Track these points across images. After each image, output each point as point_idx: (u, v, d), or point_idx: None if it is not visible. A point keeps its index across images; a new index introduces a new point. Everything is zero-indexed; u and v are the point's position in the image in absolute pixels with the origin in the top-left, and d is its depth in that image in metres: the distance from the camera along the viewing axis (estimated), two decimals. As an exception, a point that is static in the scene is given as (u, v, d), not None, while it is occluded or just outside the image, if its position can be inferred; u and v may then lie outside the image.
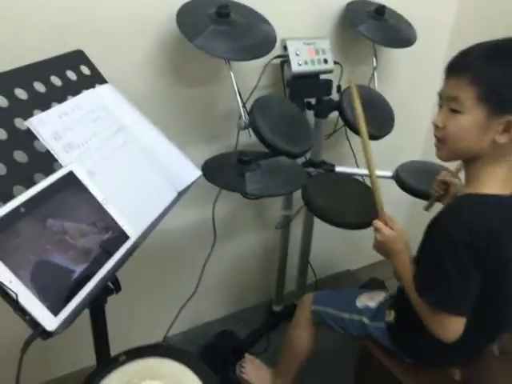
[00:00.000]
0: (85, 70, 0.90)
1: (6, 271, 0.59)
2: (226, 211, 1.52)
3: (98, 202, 0.77)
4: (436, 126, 0.88)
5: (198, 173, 0.99)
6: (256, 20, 1.15)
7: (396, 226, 0.99)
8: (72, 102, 0.82)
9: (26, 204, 0.65)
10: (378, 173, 1.23)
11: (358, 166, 1.58)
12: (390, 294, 1.13)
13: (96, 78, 0.91)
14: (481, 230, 0.82)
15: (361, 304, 1.12)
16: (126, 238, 0.79)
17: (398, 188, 1.39)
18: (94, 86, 0.89)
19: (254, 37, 1.11)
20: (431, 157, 1.49)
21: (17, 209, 0.64)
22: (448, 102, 0.85)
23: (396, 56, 1.45)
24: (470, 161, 0.89)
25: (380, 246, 1.00)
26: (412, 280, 0.93)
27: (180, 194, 0.95)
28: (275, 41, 1.16)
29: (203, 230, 1.44)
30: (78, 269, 0.69)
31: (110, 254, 0.75)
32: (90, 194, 0.76)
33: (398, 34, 1.43)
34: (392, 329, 1.05)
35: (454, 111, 0.84)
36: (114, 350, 0.89)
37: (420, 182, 1.38)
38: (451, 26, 1.65)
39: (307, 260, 1.69)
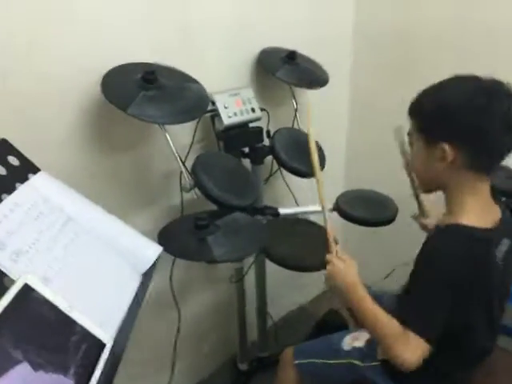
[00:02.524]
0: (13, 160, 0.77)
1: None
2: (182, 275, 1.43)
3: (62, 311, 0.66)
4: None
5: (159, 249, 0.91)
6: (184, 80, 1.12)
7: (346, 258, 0.97)
8: (9, 201, 0.70)
9: (-18, 341, 0.53)
10: (315, 208, 1.23)
11: (297, 205, 1.60)
12: None
13: (27, 168, 0.79)
14: (468, 260, 0.82)
15: (348, 346, 1.09)
16: (103, 345, 0.68)
17: (340, 218, 1.43)
18: (27, 178, 0.78)
19: (187, 98, 1.08)
20: (354, 185, 1.58)
21: (-28, 350, 0.51)
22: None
23: (313, 96, 1.52)
24: (444, 191, 0.91)
25: (332, 278, 0.96)
26: (373, 310, 0.88)
27: (146, 275, 0.86)
28: (208, 99, 1.14)
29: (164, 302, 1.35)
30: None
31: (90, 373, 0.63)
32: (52, 304, 0.65)
33: (311, 76, 1.50)
34: (386, 364, 1.02)
35: (411, 144, 0.94)
36: None
37: (359, 210, 1.44)
38: (350, 67, 1.82)
39: (265, 308, 1.65)
